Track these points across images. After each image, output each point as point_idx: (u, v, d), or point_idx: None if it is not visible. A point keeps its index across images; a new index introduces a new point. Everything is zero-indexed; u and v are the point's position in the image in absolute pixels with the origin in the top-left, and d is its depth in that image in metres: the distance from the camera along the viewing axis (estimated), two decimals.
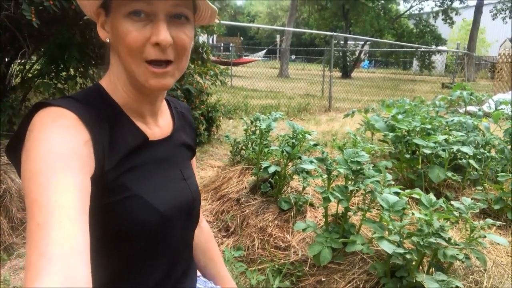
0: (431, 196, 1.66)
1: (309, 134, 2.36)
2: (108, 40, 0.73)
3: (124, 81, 0.75)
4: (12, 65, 3.93)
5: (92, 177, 0.63)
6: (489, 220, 1.60)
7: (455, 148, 2.35)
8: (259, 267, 2.03)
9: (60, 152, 0.59)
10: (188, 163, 0.91)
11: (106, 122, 0.70)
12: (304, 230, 1.89)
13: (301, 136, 2.39)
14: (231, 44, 22.86)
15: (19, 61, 3.90)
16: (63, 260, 0.49)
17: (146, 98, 0.78)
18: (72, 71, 3.81)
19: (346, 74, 21.26)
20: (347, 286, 1.75)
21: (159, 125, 0.83)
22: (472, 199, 2.40)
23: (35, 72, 3.93)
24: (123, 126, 0.74)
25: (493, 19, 26.19)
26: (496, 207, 2.28)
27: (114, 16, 0.69)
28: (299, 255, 2.01)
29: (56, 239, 0.51)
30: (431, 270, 1.62)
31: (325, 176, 1.99)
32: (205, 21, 0.80)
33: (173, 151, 0.85)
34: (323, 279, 1.84)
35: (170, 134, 0.85)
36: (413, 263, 1.52)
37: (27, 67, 4.07)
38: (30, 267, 0.49)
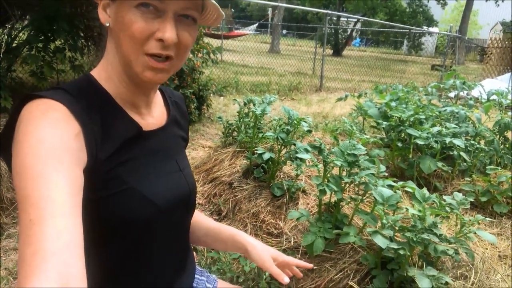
0: (424, 190, 1.69)
1: (305, 121, 2.35)
2: (108, 24, 0.71)
3: (119, 71, 0.73)
4: None
5: (84, 170, 0.62)
6: (479, 216, 1.64)
7: (447, 140, 2.37)
8: None
9: (51, 146, 0.57)
10: (183, 154, 0.90)
11: (98, 114, 0.69)
12: (297, 219, 1.91)
13: (296, 123, 2.38)
14: None
15: (3, 30, 3.74)
16: (57, 256, 0.49)
17: (140, 89, 0.76)
18: (60, 43, 3.69)
19: (337, 52, 21.10)
20: (338, 275, 1.80)
21: (153, 115, 0.81)
22: (460, 190, 2.47)
23: (21, 41, 3.78)
24: (116, 117, 0.73)
25: (486, 1, 26.10)
26: (483, 199, 2.33)
27: (121, 3, 0.67)
28: (291, 243, 2.04)
29: (50, 235, 0.50)
30: (420, 262, 1.67)
31: (320, 165, 2.00)
32: (209, 22, 0.78)
33: (168, 141, 0.83)
34: (314, 267, 1.88)
35: (165, 124, 0.83)
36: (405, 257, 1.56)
37: (12, 36, 3.91)
38: (24, 263, 0.49)
